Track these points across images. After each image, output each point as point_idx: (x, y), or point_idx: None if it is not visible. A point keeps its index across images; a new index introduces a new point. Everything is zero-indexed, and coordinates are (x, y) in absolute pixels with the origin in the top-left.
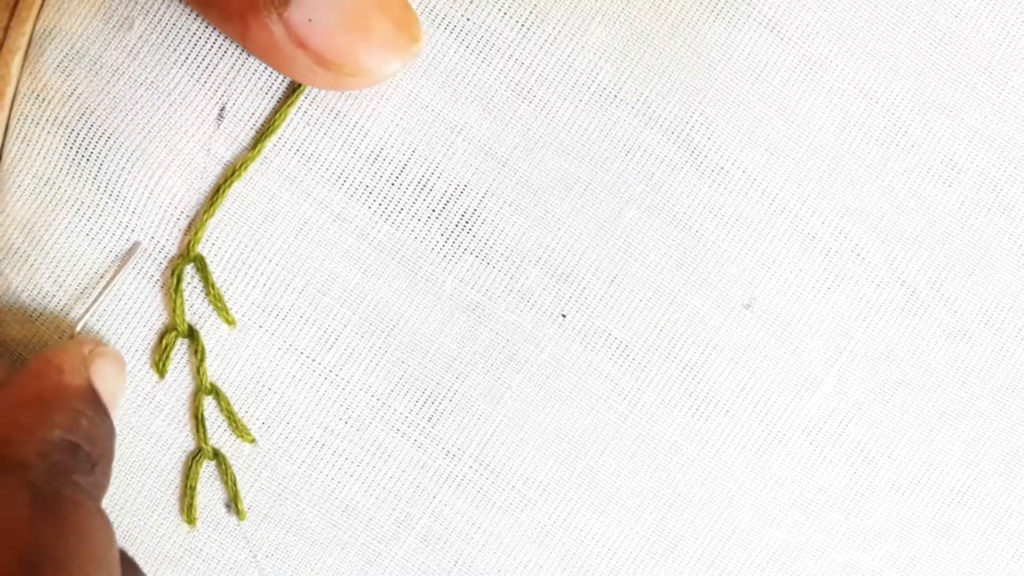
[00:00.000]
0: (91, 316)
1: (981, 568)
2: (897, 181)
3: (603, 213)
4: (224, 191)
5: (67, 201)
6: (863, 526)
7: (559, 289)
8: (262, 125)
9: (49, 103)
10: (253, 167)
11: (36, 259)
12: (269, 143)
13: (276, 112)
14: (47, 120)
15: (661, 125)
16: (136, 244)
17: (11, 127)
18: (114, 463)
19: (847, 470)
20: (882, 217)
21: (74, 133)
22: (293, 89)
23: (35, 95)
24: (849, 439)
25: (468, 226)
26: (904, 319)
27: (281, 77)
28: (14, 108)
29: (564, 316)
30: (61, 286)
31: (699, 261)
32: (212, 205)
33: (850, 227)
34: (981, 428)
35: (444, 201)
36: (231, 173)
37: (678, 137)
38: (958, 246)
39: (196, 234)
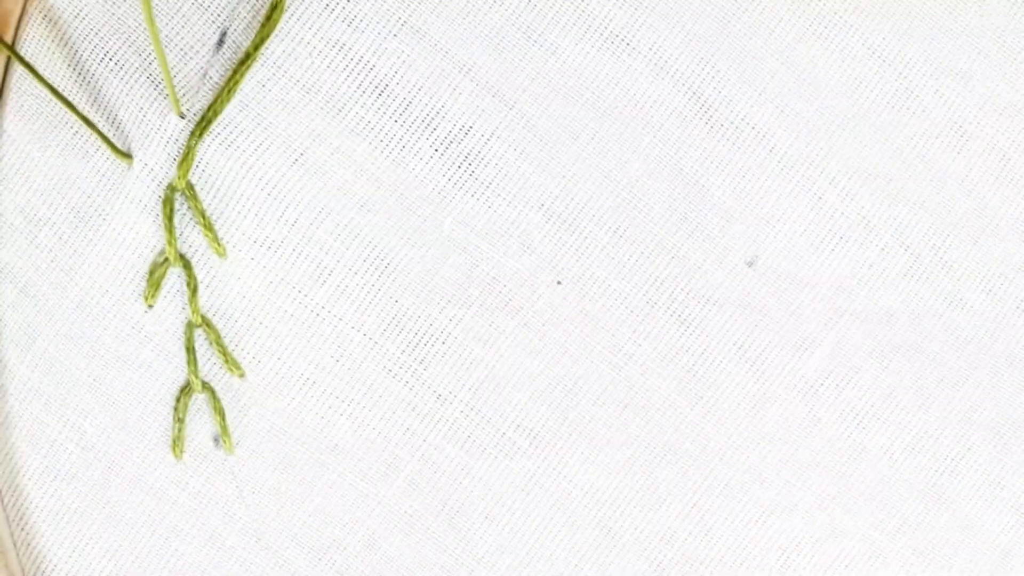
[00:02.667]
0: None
1: (970, 537)
2: (906, 144)
3: (609, 162)
4: (213, 116)
5: (65, 122)
6: (854, 489)
7: (560, 237)
8: (251, 42)
9: (55, 24)
10: (248, 92)
11: (34, 179)
12: (257, 63)
13: (263, 27)
14: (52, 42)
15: (672, 76)
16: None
17: (17, 47)
18: (99, 392)
19: (841, 433)
20: (889, 180)
21: (77, 54)
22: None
23: (42, 15)
24: (844, 402)
25: (471, 168)
26: (906, 284)
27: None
28: (19, 30)
29: (560, 283)
30: (55, 209)
31: (703, 216)
32: (201, 130)
33: (857, 188)
34: (977, 397)
35: (448, 141)
36: (222, 93)
37: (689, 89)
38: (963, 213)
39: (186, 160)
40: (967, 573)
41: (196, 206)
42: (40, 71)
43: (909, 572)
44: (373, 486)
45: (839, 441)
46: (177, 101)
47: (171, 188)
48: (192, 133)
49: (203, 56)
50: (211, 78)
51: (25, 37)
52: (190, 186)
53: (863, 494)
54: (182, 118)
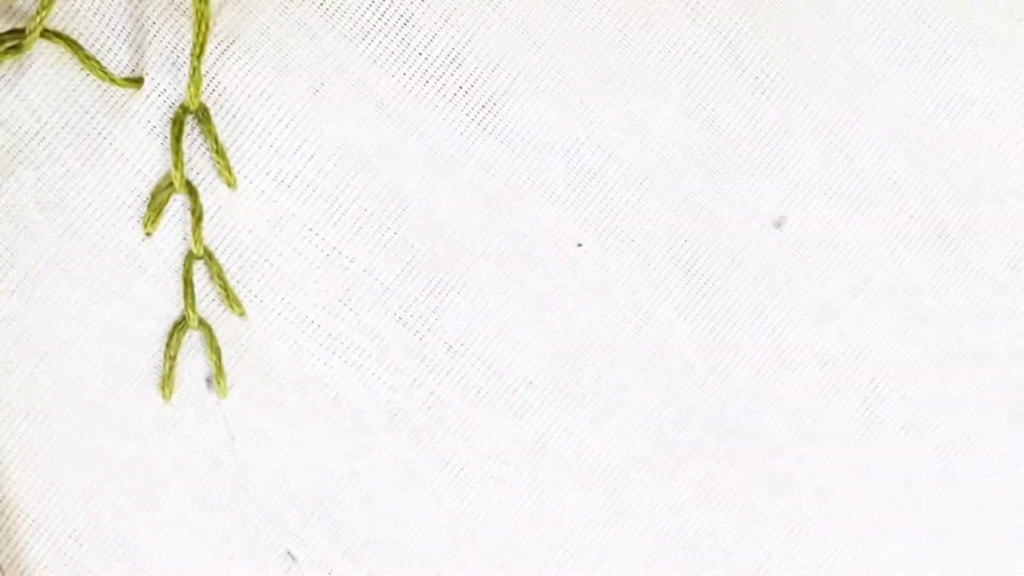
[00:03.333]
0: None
1: (982, 517)
2: (940, 111)
3: (638, 110)
4: (203, 28)
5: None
6: (868, 464)
7: (583, 186)
8: None
9: None
10: (268, 15)
11: (24, 90)
12: None
13: None
14: None
15: (708, 23)
16: None
17: None
18: (84, 324)
19: (858, 405)
20: (921, 146)
21: None
22: None
23: None
24: (863, 373)
25: (496, 108)
26: (932, 254)
27: None
28: None
29: (580, 245)
30: (45, 124)
31: (732, 172)
32: (200, 49)
33: (889, 152)
34: (996, 375)
35: (474, 78)
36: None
37: (724, 39)
38: (993, 185)
39: (194, 80)
40: (977, 552)
41: (209, 130)
42: None
43: (919, 549)
44: (374, 438)
45: (856, 413)
46: (206, 18)
47: (183, 108)
48: (192, 53)
49: None
50: None
51: None
52: (204, 108)
53: (877, 469)
54: (201, 23)
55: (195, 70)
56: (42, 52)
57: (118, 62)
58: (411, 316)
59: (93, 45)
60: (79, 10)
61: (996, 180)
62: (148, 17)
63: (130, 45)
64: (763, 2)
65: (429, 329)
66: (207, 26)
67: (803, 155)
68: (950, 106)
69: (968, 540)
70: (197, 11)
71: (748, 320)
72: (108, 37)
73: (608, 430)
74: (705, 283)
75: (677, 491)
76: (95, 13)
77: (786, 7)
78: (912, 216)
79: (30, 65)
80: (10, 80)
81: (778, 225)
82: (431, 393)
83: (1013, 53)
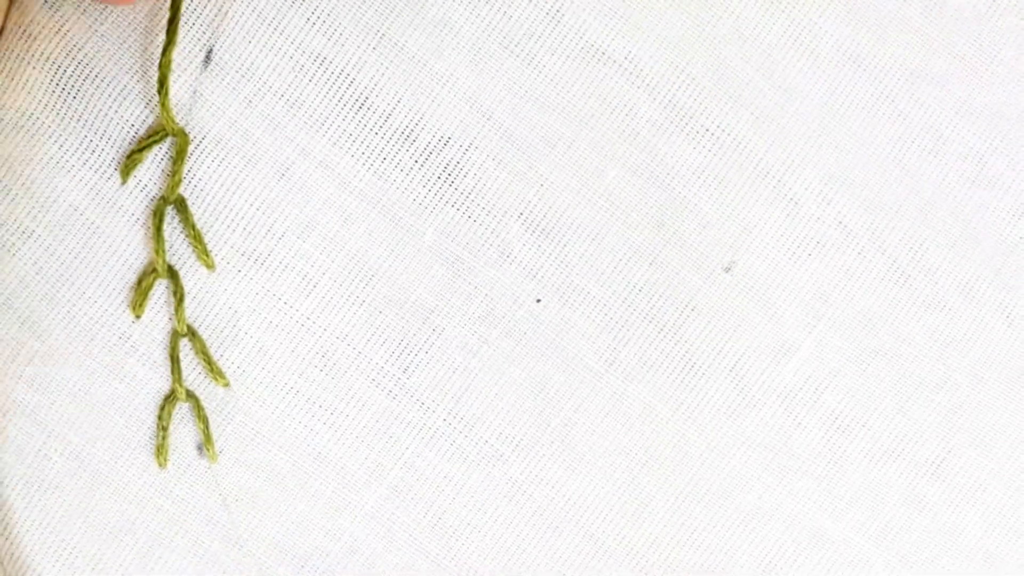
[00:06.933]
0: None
1: (952, 542)
2: (882, 150)
3: (585, 170)
4: (183, 140)
5: (50, 137)
6: (835, 494)
7: (539, 245)
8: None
9: (36, 39)
10: (236, 109)
11: (16, 193)
12: (244, 79)
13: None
14: (33, 56)
15: (647, 84)
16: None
17: None
18: (84, 401)
19: (821, 437)
20: (865, 185)
21: (60, 69)
22: None
23: (22, 31)
24: (824, 406)
25: (450, 178)
26: (884, 288)
27: (267, 22)
28: (0, 43)
29: (539, 301)
30: (40, 222)
31: (680, 222)
32: (182, 145)
33: (833, 194)
34: (957, 401)
35: (428, 152)
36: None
37: (664, 97)
38: (941, 217)
39: (177, 174)
40: (950, 575)
41: (186, 219)
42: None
43: (893, 574)
44: (356, 493)
45: (819, 445)
46: (172, 119)
47: (163, 200)
48: (174, 159)
49: (191, 74)
50: (201, 96)
51: (4, 53)
52: (181, 199)
53: (844, 498)
54: (176, 136)
55: (176, 173)
56: (34, 157)
57: (106, 159)
58: (384, 377)
59: (82, 146)
60: (82, 115)
61: (943, 213)
62: (124, 115)
63: (116, 147)
64: (700, 59)
65: (401, 388)
66: (186, 140)
67: (748, 202)
68: (891, 144)
69: (940, 564)
70: (174, 130)
71: (706, 361)
72: (93, 140)
73: (579, 475)
74: (662, 329)
75: (650, 530)
76: (80, 118)
77: (722, 62)
78: (861, 253)
79: (23, 169)
80: (7, 186)
81: (728, 270)
82: (407, 448)
83: (951, 90)
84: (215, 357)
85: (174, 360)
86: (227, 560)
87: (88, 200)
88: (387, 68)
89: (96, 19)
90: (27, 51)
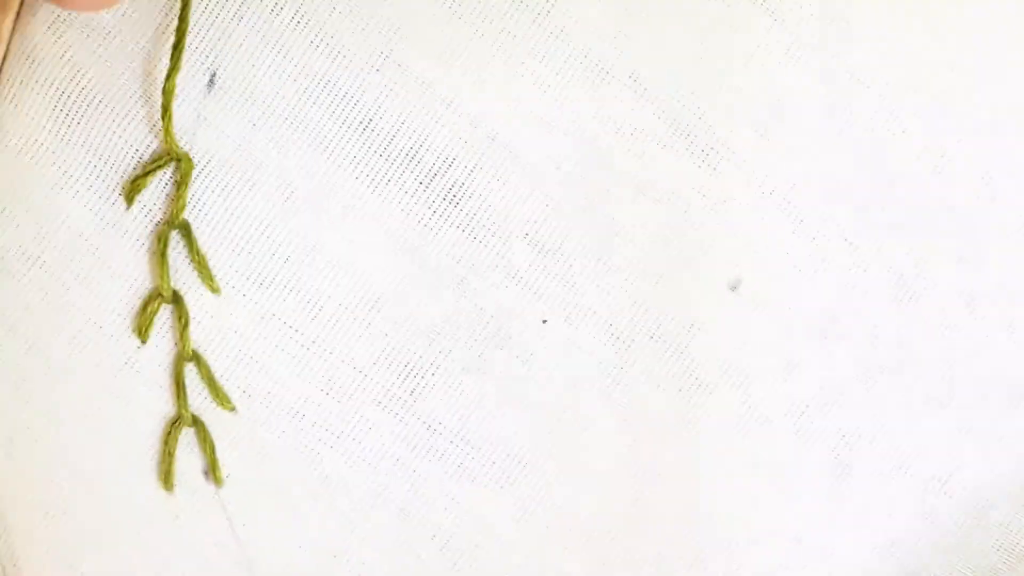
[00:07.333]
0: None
1: (959, 559)
2: (886, 167)
3: (591, 189)
4: (187, 165)
5: (54, 163)
6: (844, 511)
7: (544, 265)
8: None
9: (39, 64)
10: (241, 131)
11: (20, 218)
12: (247, 102)
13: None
14: (36, 81)
15: (652, 103)
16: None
17: (0, 87)
18: (92, 427)
19: (828, 454)
20: (870, 202)
21: (64, 95)
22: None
23: (25, 56)
24: (831, 423)
25: (455, 199)
26: (890, 305)
27: (270, 45)
28: (3, 68)
29: (545, 322)
30: (44, 247)
31: (686, 241)
32: (184, 172)
33: (838, 211)
34: (964, 417)
35: (432, 174)
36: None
37: (668, 116)
38: (946, 233)
39: (181, 199)
40: None
41: (191, 244)
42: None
43: None
44: (363, 516)
45: (827, 462)
46: (175, 143)
47: (168, 225)
48: (178, 183)
49: (195, 98)
50: (205, 119)
51: (7, 78)
52: (185, 224)
53: (853, 515)
54: (179, 160)
55: (180, 197)
56: (38, 181)
57: (110, 184)
58: (390, 400)
59: (86, 171)
60: (87, 141)
61: (948, 229)
62: (128, 139)
63: (120, 172)
64: (704, 79)
65: (408, 411)
66: (191, 164)
67: (753, 220)
68: (895, 162)
69: None
70: (178, 154)
71: (713, 379)
72: (97, 164)
73: (587, 494)
74: (667, 347)
75: (657, 549)
76: (84, 142)
77: (726, 80)
78: (866, 270)
79: (27, 193)
80: (11, 211)
81: (734, 288)
82: (414, 470)
83: (954, 107)
84: (221, 381)
85: (179, 385)
86: None
87: (92, 225)
88: (391, 90)
89: (99, 44)
90: (31, 76)
